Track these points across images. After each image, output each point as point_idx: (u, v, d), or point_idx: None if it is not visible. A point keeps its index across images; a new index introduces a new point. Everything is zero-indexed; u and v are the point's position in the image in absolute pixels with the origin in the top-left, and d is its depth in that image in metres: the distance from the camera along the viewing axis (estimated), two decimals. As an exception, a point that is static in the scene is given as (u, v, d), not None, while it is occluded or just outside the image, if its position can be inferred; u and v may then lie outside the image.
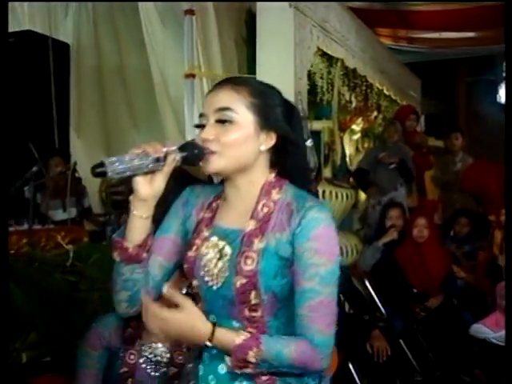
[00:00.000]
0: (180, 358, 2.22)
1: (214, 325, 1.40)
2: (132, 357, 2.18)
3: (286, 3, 4.49)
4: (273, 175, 1.50)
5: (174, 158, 1.42)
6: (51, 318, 2.79)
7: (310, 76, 4.97)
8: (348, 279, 4.00)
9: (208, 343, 1.39)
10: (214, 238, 1.50)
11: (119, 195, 3.69)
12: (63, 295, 2.90)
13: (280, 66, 4.49)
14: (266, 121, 1.45)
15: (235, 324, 1.46)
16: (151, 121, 5.48)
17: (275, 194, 1.48)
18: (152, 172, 1.42)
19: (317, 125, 5.46)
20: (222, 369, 1.47)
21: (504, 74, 9.37)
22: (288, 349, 1.39)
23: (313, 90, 5.04)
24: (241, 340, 1.38)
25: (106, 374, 2.22)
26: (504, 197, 2.05)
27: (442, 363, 4.09)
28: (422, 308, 4.37)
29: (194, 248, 1.51)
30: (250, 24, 5.02)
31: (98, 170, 1.36)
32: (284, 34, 4.51)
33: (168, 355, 2.20)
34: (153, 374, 2.19)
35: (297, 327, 1.43)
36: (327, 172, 5.36)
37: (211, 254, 1.48)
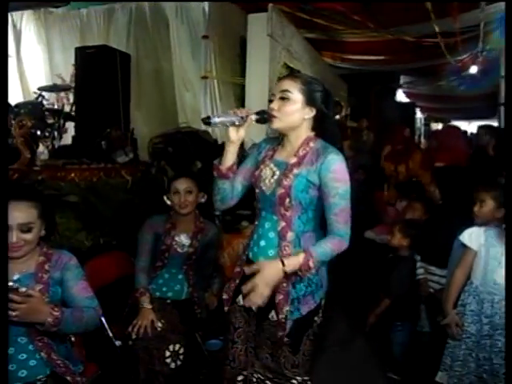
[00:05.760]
0: (196, 243, 2.30)
1: (282, 261, 1.42)
2: (168, 240, 2.27)
3: (265, 34, 4.44)
4: (313, 134, 1.53)
5: (251, 118, 1.46)
6: (117, 218, 2.80)
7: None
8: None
9: (286, 270, 1.41)
10: (272, 165, 1.55)
11: (158, 149, 3.74)
12: (124, 205, 2.91)
13: (260, 73, 4.54)
14: (309, 100, 1.48)
15: (274, 217, 1.51)
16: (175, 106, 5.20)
17: (311, 144, 1.50)
18: (238, 125, 1.46)
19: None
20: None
21: (400, 82, 9.44)
22: (328, 246, 1.43)
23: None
24: (302, 259, 1.41)
25: (153, 249, 2.27)
26: (504, 198, 2.02)
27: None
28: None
29: (259, 170, 1.57)
30: (242, 45, 4.90)
31: (206, 120, 1.40)
32: (263, 53, 4.53)
33: (188, 241, 2.29)
34: (179, 250, 2.29)
35: (328, 227, 1.45)
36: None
37: (268, 173, 1.54)
